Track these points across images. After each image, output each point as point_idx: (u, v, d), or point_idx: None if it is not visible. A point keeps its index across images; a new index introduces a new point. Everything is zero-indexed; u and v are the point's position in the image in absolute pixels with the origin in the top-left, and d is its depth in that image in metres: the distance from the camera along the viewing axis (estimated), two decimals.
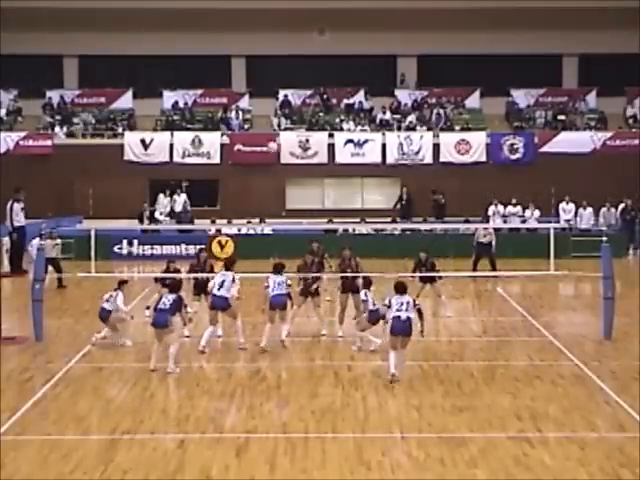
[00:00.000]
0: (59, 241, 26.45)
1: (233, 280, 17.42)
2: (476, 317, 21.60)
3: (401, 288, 15.35)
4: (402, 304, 15.10)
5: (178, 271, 19.70)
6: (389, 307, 15.19)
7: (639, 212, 35.11)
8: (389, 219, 35.01)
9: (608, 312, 18.18)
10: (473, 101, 43.62)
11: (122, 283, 18.37)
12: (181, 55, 43.23)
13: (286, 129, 41.23)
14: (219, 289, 17.34)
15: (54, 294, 24.20)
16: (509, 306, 22.51)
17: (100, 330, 18.09)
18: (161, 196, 36.96)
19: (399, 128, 41.32)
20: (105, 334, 17.95)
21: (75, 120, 41.76)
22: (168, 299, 15.95)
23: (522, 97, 43.62)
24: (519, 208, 35.34)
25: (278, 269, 17.83)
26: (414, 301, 15.35)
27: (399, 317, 15.03)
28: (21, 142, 39.63)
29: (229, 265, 17.78)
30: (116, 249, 32.57)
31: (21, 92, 43.04)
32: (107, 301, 17.96)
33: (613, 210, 35.46)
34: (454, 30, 42.75)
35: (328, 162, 39.60)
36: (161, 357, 15.85)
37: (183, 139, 39.87)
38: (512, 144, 39.82)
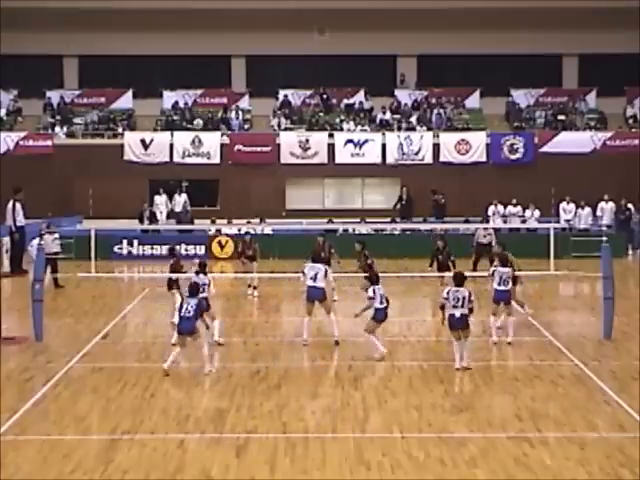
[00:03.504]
0: (57, 235, 26.41)
1: (326, 273, 18.00)
2: (476, 317, 21.49)
3: (459, 280, 16.03)
4: (459, 300, 15.77)
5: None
6: (447, 299, 15.90)
7: (637, 212, 35.12)
8: (389, 219, 35.00)
9: (608, 312, 18.19)
10: (473, 101, 43.60)
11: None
12: (181, 55, 43.22)
13: (286, 129, 41.22)
14: (314, 280, 17.71)
15: (54, 294, 24.21)
16: None
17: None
18: (164, 196, 36.98)
19: (399, 128, 41.32)
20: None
21: (76, 120, 41.75)
22: (191, 305, 15.65)
23: (522, 97, 43.59)
24: (519, 208, 35.35)
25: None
26: (470, 295, 15.84)
27: (453, 315, 15.81)
28: (21, 142, 39.61)
29: (322, 260, 18.48)
30: (116, 249, 32.57)
31: (21, 92, 43.04)
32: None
33: (611, 204, 35.43)
34: (454, 30, 42.74)
35: (328, 162, 39.59)
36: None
37: (183, 139, 39.85)
38: (512, 144, 39.81)
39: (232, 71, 44.84)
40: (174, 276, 19.40)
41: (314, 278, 17.79)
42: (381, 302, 16.64)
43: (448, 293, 15.93)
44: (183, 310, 15.60)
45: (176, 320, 19.51)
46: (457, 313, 15.81)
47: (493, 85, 42.78)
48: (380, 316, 16.71)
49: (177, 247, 21.06)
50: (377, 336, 16.83)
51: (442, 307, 16.23)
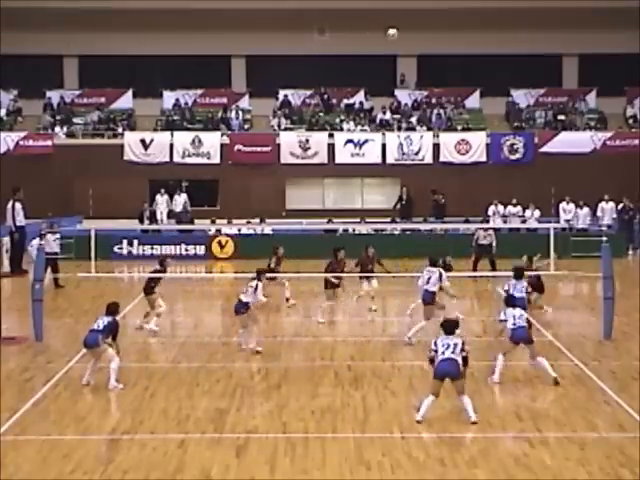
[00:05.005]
0: (58, 235, 26.43)
1: (440, 276, 18.06)
2: (476, 317, 21.58)
3: (449, 328, 13.31)
4: (449, 346, 13.00)
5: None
6: (435, 352, 13.08)
7: (638, 212, 35.10)
8: (389, 219, 35.00)
9: (608, 312, 18.19)
10: (473, 101, 43.59)
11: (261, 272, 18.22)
12: (181, 55, 43.20)
13: (286, 129, 41.21)
14: (427, 284, 17.98)
15: (54, 294, 24.20)
16: None
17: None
18: (165, 196, 36.98)
19: (399, 128, 41.31)
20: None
21: (76, 120, 41.74)
22: (103, 321, 15.06)
23: (522, 97, 43.57)
24: (519, 208, 35.35)
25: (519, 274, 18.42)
26: (463, 344, 13.15)
27: (445, 359, 12.95)
28: (21, 142, 39.59)
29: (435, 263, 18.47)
30: (116, 249, 32.56)
31: (21, 92, 43.03)
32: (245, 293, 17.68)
33: (612, 204, 35.41)
34: (454, 30, 42.72)
35: (328, 162, 39.58)
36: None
37: (183, 139, 39.84)
38: (512, 144, 39.80)
39: (232, 71, 44.83)
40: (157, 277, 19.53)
41: (427, 281, 18.02)
42: (514, 323, 15.16)
43: (436, 344, 13.09)
44: (95, 324, 15.14)
45: (152, 327, 19.29)
46: (448, 356, 12.94)
47: (493, 85, 42.77)
48: (515, 336, 15.14)
49: (168, 260, 20.68)
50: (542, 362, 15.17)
51: (432, 360, 13.22)
